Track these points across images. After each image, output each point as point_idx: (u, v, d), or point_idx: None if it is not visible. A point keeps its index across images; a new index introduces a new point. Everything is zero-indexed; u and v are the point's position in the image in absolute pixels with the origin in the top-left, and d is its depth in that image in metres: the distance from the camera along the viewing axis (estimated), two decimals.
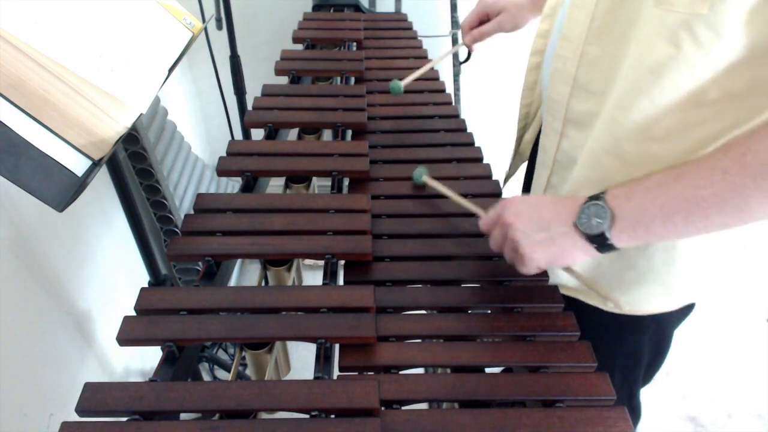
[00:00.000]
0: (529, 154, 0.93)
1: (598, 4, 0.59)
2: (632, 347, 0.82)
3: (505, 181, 0.99)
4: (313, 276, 1.64)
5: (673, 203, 0.51)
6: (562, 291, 0.76)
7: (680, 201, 0.51)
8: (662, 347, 0.84)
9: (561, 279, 0.76)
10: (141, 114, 0.75)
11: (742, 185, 0.47)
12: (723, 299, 1.77)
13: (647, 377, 0.89)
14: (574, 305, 0.74)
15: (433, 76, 1.13)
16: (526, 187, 0.91)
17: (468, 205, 0.72)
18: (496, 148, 1.14)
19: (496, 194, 0.81)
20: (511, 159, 0.98)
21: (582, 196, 0.56)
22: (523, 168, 0.98)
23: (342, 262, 0.70)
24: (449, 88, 1.19)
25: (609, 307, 0.75)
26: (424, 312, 0.65)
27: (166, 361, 0.58)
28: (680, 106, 0.55)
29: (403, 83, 0.94)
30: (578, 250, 0.56)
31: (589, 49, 0.62)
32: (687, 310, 0.78)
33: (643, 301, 0.72)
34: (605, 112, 0.61)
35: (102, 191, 1.22)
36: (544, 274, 0.68)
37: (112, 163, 1.05)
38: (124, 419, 0.50)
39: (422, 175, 0.80)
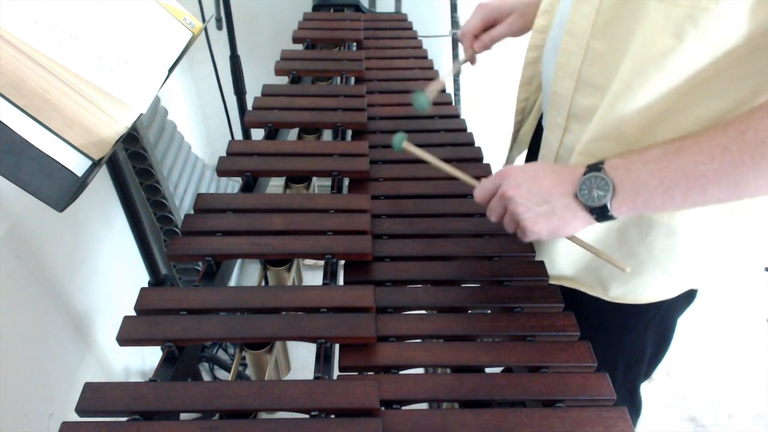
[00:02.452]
0: (528, 143, 0.93)
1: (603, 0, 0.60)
2: (635, 340, 0.81)
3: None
4: (313, 276, 1.64)
5: (672, 177, 0.52)
6: (564, 283, 0.76)
7: (680, 176, 0.52)
8: (665, 338, 0.84)
9: (560, 269, 0.76)
10: (141, 114, 0.75)
11: (740, 162, 0.49)
12: (724, 291, 1.77)
13: (649, 370, 0.89)
14: (574, 300, 0.74)
15: (433, 76, 1.13)
16: None
17: (455, 172, 0.70)
18: (496, 148, 1.14)
19: None
20: (509, 152, 0.98)
21: (580, 165, 0.57)
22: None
23: (342, 262, 0.70)
24: (449, 88, 1.19)
25: (611, 297, 0.75)
26: (424, 312, 0.65)
27: (166, 361, 0.58)
28: (680, 90, 0.56)
29: (429, 95, 0.86)
30: (578, 220, 0.57)
31: (594, 44, 0.62)
32: (689, 297, 0.78)
33: (645, 288, 0.72)
34: (605, 102, 0.62)
35: (102, 191, 1.22)
36: (543, 273, 0.68)
37: (112, 163, 1.05)
38: (124, 419, 0.50)
39: (402, 141, 0.75)
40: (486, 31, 0.90)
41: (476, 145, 0.92)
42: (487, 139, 1.07)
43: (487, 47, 0.90)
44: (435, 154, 0.89)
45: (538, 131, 0.83)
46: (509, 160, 0.99)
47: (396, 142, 0.75)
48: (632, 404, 0.94)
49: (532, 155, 0.88)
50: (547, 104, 0.73)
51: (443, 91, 0.98)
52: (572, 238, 0.63)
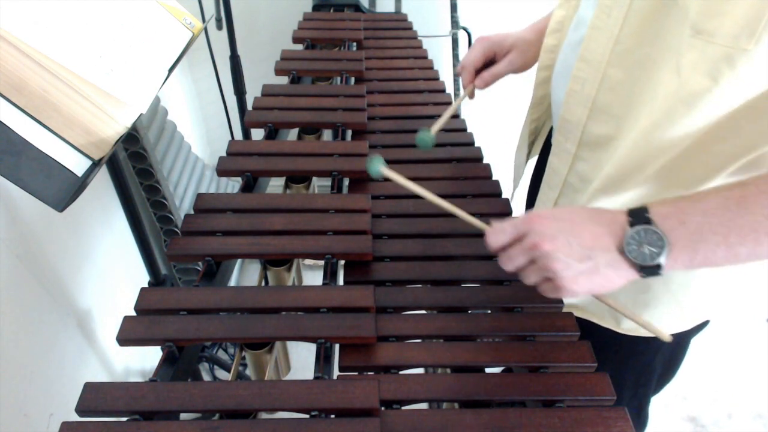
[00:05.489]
0: (538, 152, 0.92)
1: (623, 27, 0.57)
2: (644, 364, 0.80)
3: (514, 188, 0.98)
4: (313, 276, 1.64)
5: (738, 232, 0.46)
6: (574, 312, 0.73)
7: (747, 230, 0.46)
8: (676, 360, 0.82)
9: (571, 300, 0.74)
10: (141, 114, 0.75)
11: None
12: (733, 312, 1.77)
13: (658, 388, 0.87)
14: (580, 325, 0.70)
15: (432, 76, 1.13)
16: (529, 207, 0.90)
17: (456, 211, 0.63)
18: (497, 148, 1.14)
19: (497, 194, 0.81)
20: (521, 167, 0.97)
21: (620, 213, 0.50)
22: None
23: (342, 262, 0.70)
24: (449, 88, 1.19)
25: (623, 329, 0.73)
26: (424, 312, 0.65)
27: (166, 361, 0.58)
28: (709, 128, 0.54)
29: (433, 131, 0.82)
30: (622, 278, 0.50)
31: (611, 72, 0.59)
32: (702, 325, 0.77)
33: (657, 321, 0.68)
34: (629, 138, 0.59)
35: (102, 191, 1.22)
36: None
37: (112, 163, 1.05)
38: (124, 419, 0.50)
39: (379, 164, 0.65)
40: (486, 66, 0.87)
41: (476, 145, 0.92)
42: (487, 139, 1.07)
43: (488, 84, 0.87)
44: (436, 154, 0.89)
45: (548, 144, 0.81)
46: (517, 176, 0.98)
47: (372, 168, 0.65)
48: (638, 421, 0.92)
49: (535, 184, 0.86)
50: (556, 129, 0.70)
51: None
52: (600, 297, 0.56)
